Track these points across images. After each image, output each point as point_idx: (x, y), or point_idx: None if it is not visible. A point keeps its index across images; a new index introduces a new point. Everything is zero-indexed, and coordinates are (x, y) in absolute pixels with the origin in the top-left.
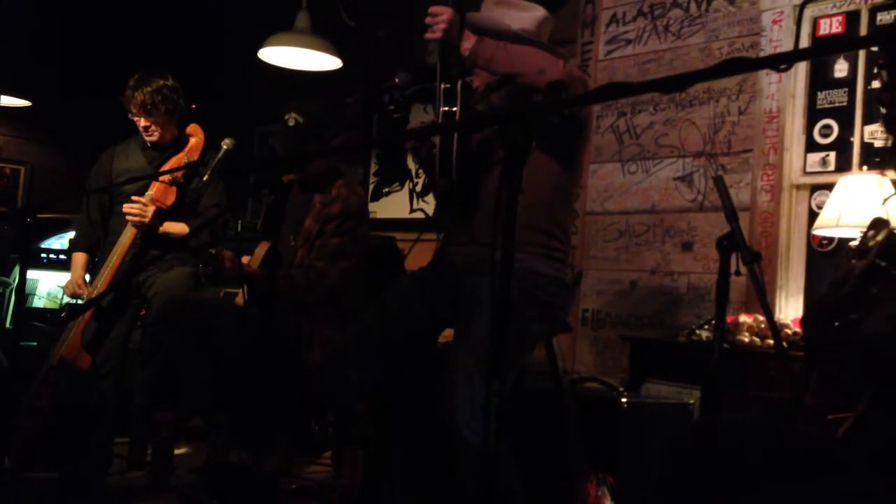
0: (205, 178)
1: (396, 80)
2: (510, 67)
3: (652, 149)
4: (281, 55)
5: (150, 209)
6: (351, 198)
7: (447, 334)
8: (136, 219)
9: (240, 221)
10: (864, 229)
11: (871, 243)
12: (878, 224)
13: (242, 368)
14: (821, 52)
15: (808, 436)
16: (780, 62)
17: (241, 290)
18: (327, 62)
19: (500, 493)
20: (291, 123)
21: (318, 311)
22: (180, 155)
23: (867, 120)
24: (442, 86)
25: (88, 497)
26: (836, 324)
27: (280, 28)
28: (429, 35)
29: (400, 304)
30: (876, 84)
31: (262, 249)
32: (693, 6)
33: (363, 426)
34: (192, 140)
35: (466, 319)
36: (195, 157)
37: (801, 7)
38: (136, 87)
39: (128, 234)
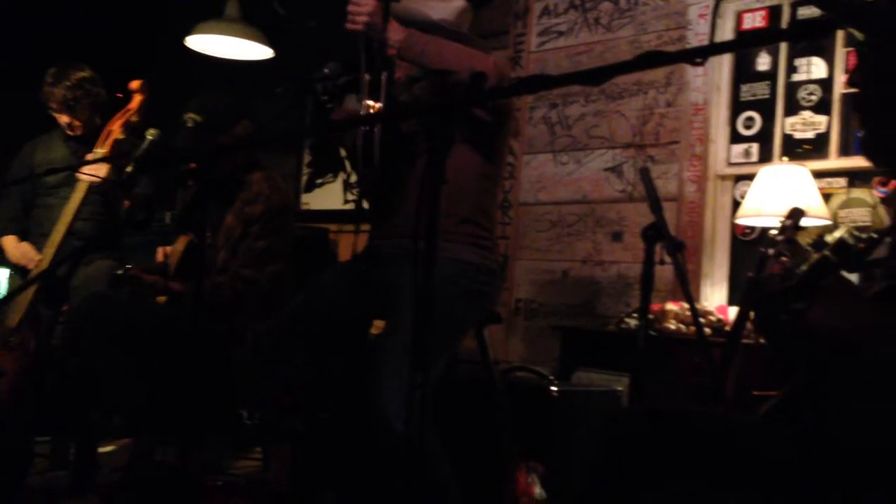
0: (128, 170)
1: (326, 71)
2: (441, 63)
3: (583, 140)
4: (210, 43)
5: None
6: (273, 195)
7: (381, 325)
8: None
9: (169, 213)
10: (783, 218)
11: (829, 238)
12: (796, 213)
13: (167, 366)
14: (731, 48)
15: (728, 419)
16: (695, 56)
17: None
18: (258, 52)
19: (432, 484)
20: (190, 125)
21: (249, 308)
22: (117, 119)
23: (788, 112)
24: (366, 77)
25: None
26: (782, 311)
27: (211, 16)
28: (349, 25)
29: (326, 297)
30: (798, 77)
31: (181, 244)
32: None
33: (290, 421)
34: (136, 98)
35: (394, 311)
36: (139, 117)
37: (717, 1)
38: (56, 83)
39: (73, 203)
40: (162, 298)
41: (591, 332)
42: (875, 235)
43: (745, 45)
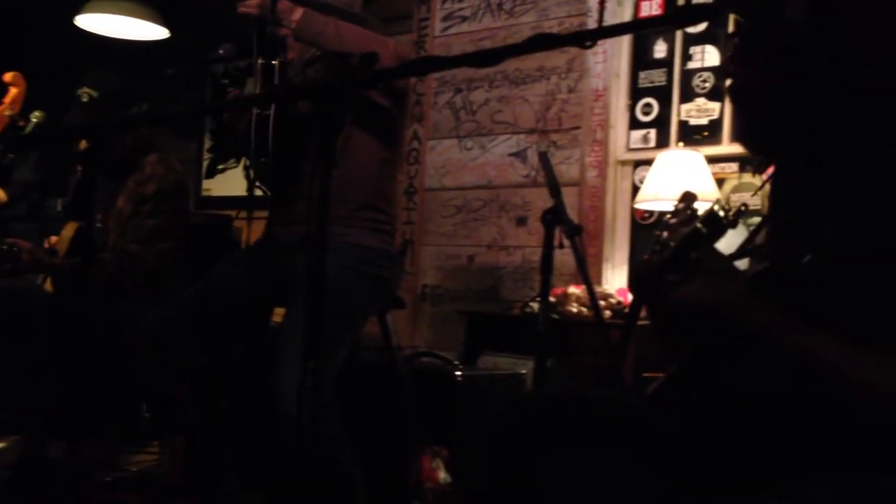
0: (10, 155)
1: (221, 52)
2: (340, 46)
3: (488, 125)
4: (101, 22)
5: None
6: (168, 175)
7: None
8: None
9: (60, 200)
10: (676, 202)
11: (702, 211)
12: (688, 197)
13: (57, 357)
14: (618, 32)
15: (616, 400)
16: (585, 39)
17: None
18: (153, 31)
19: (333, 470)
20: (85, 99)
21: (140, 292)
22: None
23: (683, 99)
24: (259, 61)
25: None
26: (657, 285)
27: None
28: (242, 8)
29: (224, 284)
30: (693, 64)
31: (69, 230)
32: None
33: (184, 411)
34: (12, 91)
35: (293, 298)
36: (17, 109)
37: None
38: None
39: None
40: (49, 286)
41: (496, 317)
42: (738, 208)
43: (630, 29)
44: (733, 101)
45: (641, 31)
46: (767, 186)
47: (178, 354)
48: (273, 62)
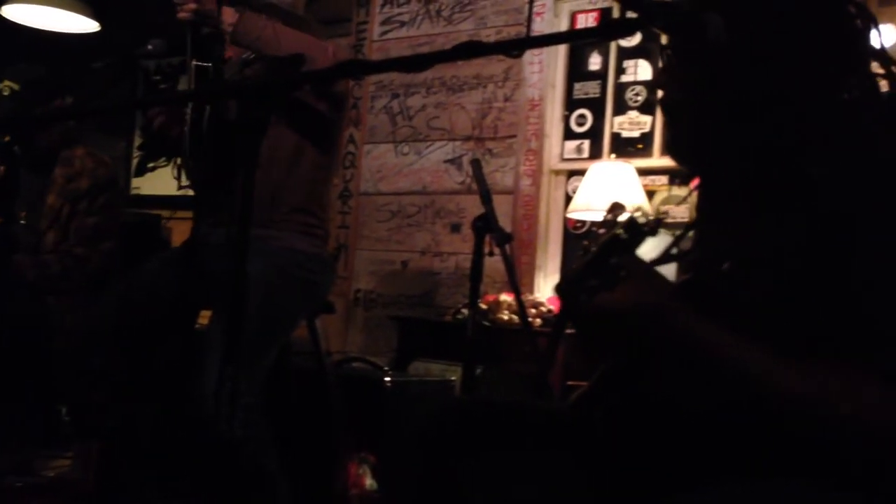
0: None
1: (149, 48)
2: (277, 50)
3: (424, 131)
4: (28, 14)
5: None
6: (98, 169)
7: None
8: None
9: None
10: (605, 213)
11: (623, 217)
12: (616, 208)
13: None
14: (543, 43)
15: (537, 407)
16: (512, 48)
17: None
18: (82, 24)
19: (257, 477)
20: (6, 93)
21: (77, 295)
22: None
23: (616, 111)
24: (194, 63)
25: None
26: (578, 291)
27: None
28: (181, 15)
29: (147, 287)
30: (626, 78)
31: None
32: None
33: (100, 417)
34: None
35: (220, 301)
36: None
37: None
38: None
39: None
40: None
41: (428, 323)
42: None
43: (556, 41)
44: (663, 112)
45: (568, 42)
46: (694, 196)
47: (100, 358)
48: (207, 64)
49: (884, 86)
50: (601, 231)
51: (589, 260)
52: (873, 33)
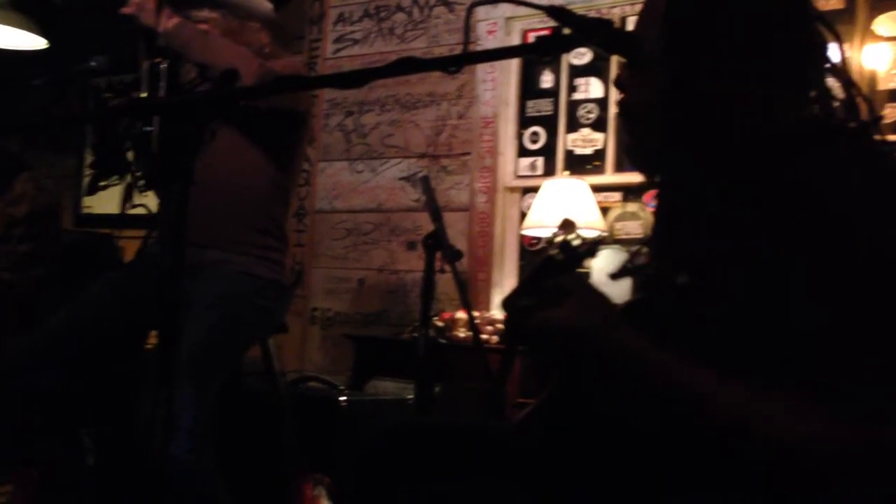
0: None
1: (92, 64)
2: (202, 57)
3: (379, 148)
4: None
5: None
6: (39, 196)
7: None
8: None
9: None
10: (556, 229)
11: (558, 239)
12: (567, 225)
13: None
14: (482, 59)
15: (480, 428)
16: (449, 65)
17: None
18: (29, 41)
19: (201, 502)
20: None
21: (6, 320)
22: None
23: (569, 129)
24: (146, 63)
25: None
26: (514, 311)
27: None
28: (124, 9)
29: (95, 306)
30: (578, 95)
31: None
32: (416, 11)
33: (41, 444)
34: None
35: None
36: None
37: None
38: None
39: None
40: None
41: (384, 341)
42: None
43: (493, 57)
44: (621, 118)
45: (505, 58)
46: (648, 212)
47: (41, 383)
48: (161, 65)
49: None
50: (552, 248)
51: (524, 280)
52: (833, 48)
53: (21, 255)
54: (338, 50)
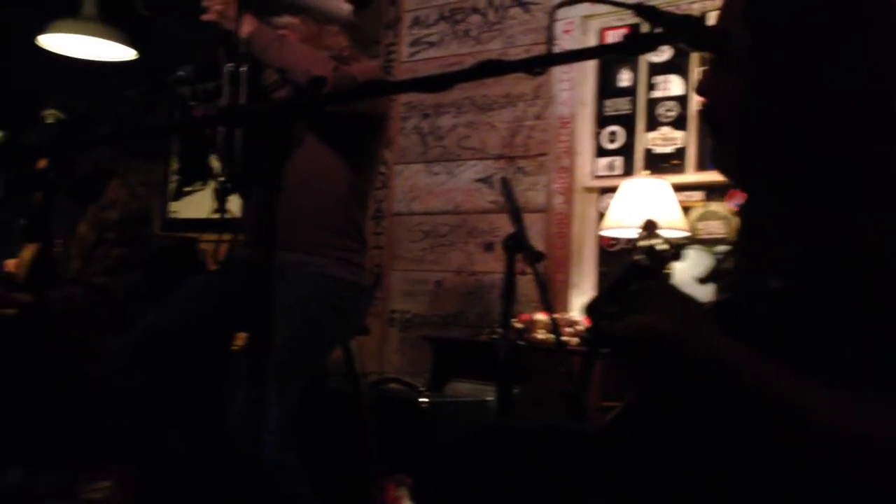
0: None
1: (181, 73)
2: (279, 61)
3: (455, 150)
4: (65, 42)
5: None
6: (131, 202)
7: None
8: None
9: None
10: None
11: (642, 243)
12: (649, 226)
13: (11, 382)
14: (564, 60)
15: (562, 430)
16: (534, 66)
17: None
18: (119, 52)
19: (289, 501)
20: (50, 121)
21: (104, 323)
22: None
23: (648, 127)
24: (227, 68)
25: None
26: (600, 318)
27: (67, 13)
28: (204, 16)
29: (182, 310)
30: (657, 94)
31: (28, 253)
32: (491, 13)
33: (140, 442)
34: None
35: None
36: None
37: (553, 11)
38: None
39: None
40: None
41: (463, 343)
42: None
43: (578, 57)
44: (705, 125)
45: (590, 59)
46: (731, 212)
47: (136, 385)
48: (241, 69)
49: None
50: (631, 252)
51: (610, 286)
52: None
53: (115, 259)
54: (414, 53)
